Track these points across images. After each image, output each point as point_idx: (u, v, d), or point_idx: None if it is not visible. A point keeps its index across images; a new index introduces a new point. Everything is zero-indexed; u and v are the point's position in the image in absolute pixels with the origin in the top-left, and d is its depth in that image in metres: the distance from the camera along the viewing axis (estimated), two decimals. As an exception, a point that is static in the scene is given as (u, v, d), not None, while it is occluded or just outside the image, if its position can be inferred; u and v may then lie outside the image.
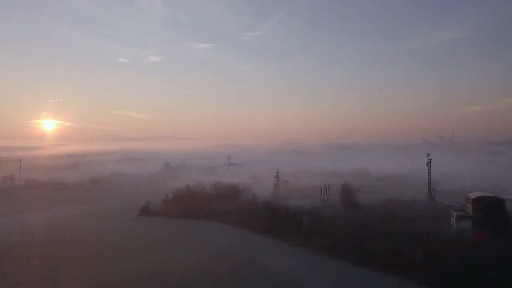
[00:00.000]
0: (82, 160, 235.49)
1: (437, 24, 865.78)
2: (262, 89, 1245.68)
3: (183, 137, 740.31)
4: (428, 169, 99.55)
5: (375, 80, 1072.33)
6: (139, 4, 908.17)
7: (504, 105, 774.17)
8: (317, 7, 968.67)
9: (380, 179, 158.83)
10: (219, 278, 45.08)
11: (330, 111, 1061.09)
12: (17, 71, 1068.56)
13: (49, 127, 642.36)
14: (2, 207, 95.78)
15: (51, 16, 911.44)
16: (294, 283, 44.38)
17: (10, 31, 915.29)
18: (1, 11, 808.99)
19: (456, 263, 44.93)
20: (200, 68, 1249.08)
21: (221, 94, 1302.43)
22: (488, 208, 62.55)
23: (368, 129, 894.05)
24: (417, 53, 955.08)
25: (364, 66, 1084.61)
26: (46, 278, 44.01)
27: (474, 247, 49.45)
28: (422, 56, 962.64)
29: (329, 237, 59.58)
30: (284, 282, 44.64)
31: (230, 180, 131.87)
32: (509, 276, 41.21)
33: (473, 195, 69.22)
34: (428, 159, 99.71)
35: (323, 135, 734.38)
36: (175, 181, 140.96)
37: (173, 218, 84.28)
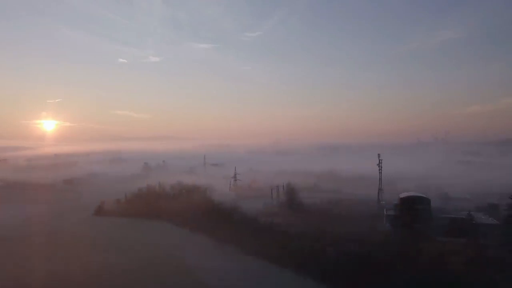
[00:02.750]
0: (67, 160, 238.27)
1: (437, 24, 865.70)
2: (262, 89, 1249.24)
3: (182, 137, 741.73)
4: (379, 170, 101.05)
5: (375, 80, 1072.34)
6: (139, 4, 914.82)
7: (503, 105, 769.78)
8: (317, 7, 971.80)
9: (353, 180, 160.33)
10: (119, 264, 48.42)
11: (330, 111, 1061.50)
12: (17, 71, 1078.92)
13: (48, 127, 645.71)
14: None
15: (51, 16, 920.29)
16: (181, 264, 51.36)
17: (10, 31, 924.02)
18: (1, 11, 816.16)
19: (357, 261, 46.59)
20: (200, 68, 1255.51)
21: (220, 94, 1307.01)
22: (410, 207, 64.19)
23: (367, 130, 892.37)
24: (417, 53, 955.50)
25: (364, 66, 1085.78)
26: None
27: (383, 246, 51.06)
28: (422, 56, 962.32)
29: (251, 234, 62.25)
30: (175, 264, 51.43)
31: (203, 180, 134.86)
32: (400, 271, 42.63)
33: (403, 195, 71.00)
34: (379, 160, 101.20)
35: (322, 135, 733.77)
36: (149, 181, 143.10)
37: (124, 218, 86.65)
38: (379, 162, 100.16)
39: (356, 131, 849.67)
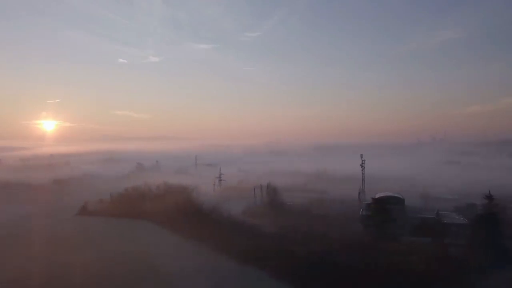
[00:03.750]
0: (62, 160, 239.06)
1: (437, 24, 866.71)
2: (262, 89, 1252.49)
3: (182, 137, 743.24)
4: (362, 170, 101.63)
5: (375, 80, 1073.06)
6: (139, 4, 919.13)
7: (503, 105, 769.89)
8: (317, 7, 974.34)
9: (344, 180, 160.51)
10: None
11: (329, 111, 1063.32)
12: (17, 71, 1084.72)
13: (48, 128, 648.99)
14: None
15: (51, 17, 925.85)
16: (149, 262, 52.59)
17: (10, 31, 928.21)
18: (2, 11, 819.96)
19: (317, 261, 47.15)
20: (200, 68, 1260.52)
21: (220, 94, 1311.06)
22: (382, 207, 64.34)
23: (367, 130, 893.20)
24: (417, 53, 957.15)
25: (364, 66, 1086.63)
26: None
27: (346, 245, 51.54)
28: (422, 56, 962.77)
29: (226, 234, 63.19)
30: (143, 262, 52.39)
31: (193, 181, 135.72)
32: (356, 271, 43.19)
33: (379, 195, 71.39)
34: (362, 161, 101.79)
35: (321, 135, 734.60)
36: (140, 181, 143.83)
37: (106, 218, 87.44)
38: (362, 163, 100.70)
39: (355, 131, 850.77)
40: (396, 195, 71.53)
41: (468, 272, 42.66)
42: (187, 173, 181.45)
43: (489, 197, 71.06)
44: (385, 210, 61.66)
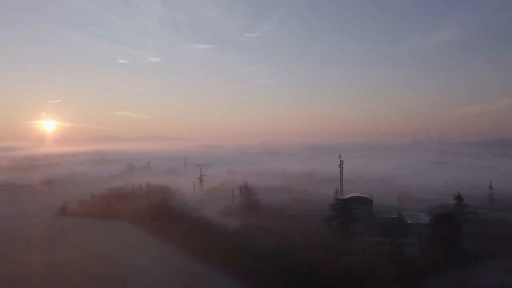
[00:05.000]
0: (55, 160, 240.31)
1: (436, 24, 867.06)
2: (262, 89, 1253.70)
3: (182, 137, 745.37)
4: (340, 170, 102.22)
5: (374, 80, 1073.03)
6: (138, 5, 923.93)
7: (502, 106, 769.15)
8: (316, 7, 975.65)
9: (332, 180, 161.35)
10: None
11: (328, 111, 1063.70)
12: (17, 72, 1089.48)
13: (48, 128, 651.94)
14: None
15: (50, 17, 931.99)
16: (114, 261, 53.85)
17: (10, 32, 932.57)
18: (1, 12, 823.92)
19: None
20: (199, 69, 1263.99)
21: (220, 95, 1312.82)
22: (347, 207, 65.10)
23: (365, 130, 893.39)
24: (416, 54, 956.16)
25: (363, 66, 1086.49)
26: None
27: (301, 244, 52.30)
28: (421, 56, 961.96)
29: (197, 234, 64.03)
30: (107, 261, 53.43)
31: (181, 181, 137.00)
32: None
33: (348, 195, 72.10)
34: (340, 161, 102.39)
35: (320, 136, 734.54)
36: (128, 182, 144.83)
37: (84, 218, 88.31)
38: (341, 163, 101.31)
39: (354, 131, 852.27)
40: (364, 195, 72.16)
41: (415, 272, 43.31)
42: (176, 174, 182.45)
43: (458, 197, 71.76)
44: (347, 210, 62.38)
